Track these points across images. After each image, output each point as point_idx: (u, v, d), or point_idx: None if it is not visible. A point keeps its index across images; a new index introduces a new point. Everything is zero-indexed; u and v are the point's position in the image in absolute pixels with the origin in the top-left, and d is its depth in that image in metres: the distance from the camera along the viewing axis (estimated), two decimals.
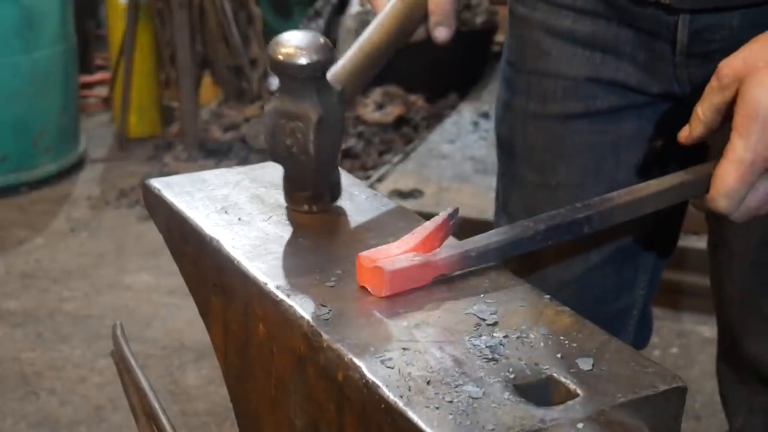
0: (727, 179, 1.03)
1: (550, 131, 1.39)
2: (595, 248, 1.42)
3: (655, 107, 1.34)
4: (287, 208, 1.14)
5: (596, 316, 1.48)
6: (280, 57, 1.05)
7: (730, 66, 1.04)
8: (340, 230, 1.12)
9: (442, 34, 1.25)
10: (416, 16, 1.25)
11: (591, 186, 1.37)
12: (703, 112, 1.08)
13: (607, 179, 1.37)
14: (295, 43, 1.05)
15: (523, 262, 1.47)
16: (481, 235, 1.01)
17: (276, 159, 1.10)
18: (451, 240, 1.02)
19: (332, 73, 1.12)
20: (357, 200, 1.18)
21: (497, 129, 1.49)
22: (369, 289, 0.95)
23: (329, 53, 1.06)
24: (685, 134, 1.10)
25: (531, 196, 1.44)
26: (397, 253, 0.97)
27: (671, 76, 1.28)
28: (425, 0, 1.24)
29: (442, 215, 1.01)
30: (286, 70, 1.05)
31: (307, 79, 1.05)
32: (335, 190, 1.16)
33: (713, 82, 1.06)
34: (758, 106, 1.01)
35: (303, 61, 1.04)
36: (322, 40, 1.06)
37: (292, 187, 1.14)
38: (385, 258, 0.95)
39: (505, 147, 1.48)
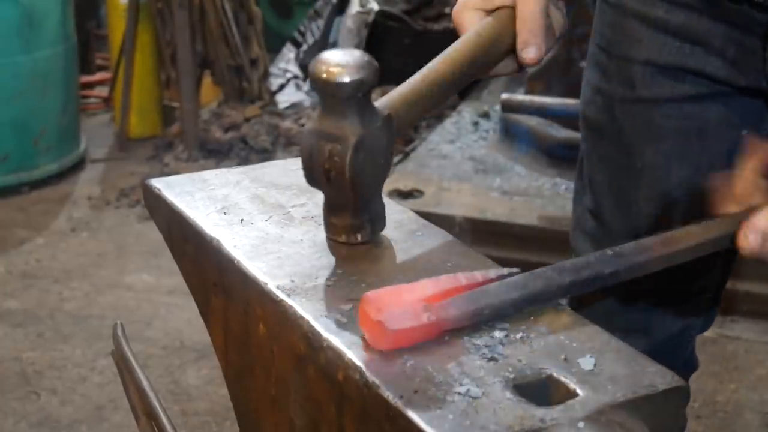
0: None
1: (638, 115, 1.42)
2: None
3: (742, 98, 1.36)
4: (327, 238, 1.08)
5: (671, 296, 1.50)
6: (322, 75, 0.99)
7: None
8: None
9: (529, 54, 1.19)
10: (496, 51, 1.19)
11: (675, 170, 1.40)
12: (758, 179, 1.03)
13: (692, 164, 1.39)
14: (336, 61, 1.00)
15: (597, 235, 1.50)
16: (499, 284, 0.92)
17: (312, 183, 1.04)
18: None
19: (384, 98, 1.07)
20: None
21: (585, 111, 1.52)
22: (366, 338, 0.86)
23: (373, 72, 1.00)
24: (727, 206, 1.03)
25: (616, 176, 1.47)
26: (405, 302, 0.86)
27: (760, 71, 1.31)
28: (509, 32, 1.19)
29: (494, 273, 0.93)
30: (326, 88, 1.00)
31: (348, 98, 0.99)
32: (377, 222, 1.08)
33: None
34: None
35: (344, 79, 0.98)
36: (366, 58, 1.01)
37: (329, 214, 1.07)
38: (390, 306, 0.85)
39: (592, 128, 1.51)
